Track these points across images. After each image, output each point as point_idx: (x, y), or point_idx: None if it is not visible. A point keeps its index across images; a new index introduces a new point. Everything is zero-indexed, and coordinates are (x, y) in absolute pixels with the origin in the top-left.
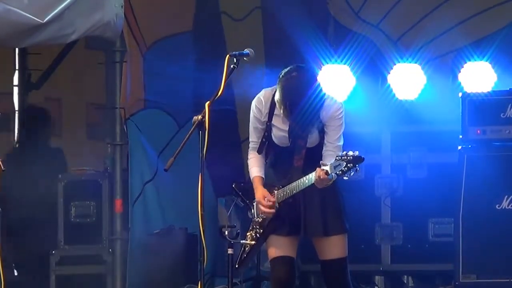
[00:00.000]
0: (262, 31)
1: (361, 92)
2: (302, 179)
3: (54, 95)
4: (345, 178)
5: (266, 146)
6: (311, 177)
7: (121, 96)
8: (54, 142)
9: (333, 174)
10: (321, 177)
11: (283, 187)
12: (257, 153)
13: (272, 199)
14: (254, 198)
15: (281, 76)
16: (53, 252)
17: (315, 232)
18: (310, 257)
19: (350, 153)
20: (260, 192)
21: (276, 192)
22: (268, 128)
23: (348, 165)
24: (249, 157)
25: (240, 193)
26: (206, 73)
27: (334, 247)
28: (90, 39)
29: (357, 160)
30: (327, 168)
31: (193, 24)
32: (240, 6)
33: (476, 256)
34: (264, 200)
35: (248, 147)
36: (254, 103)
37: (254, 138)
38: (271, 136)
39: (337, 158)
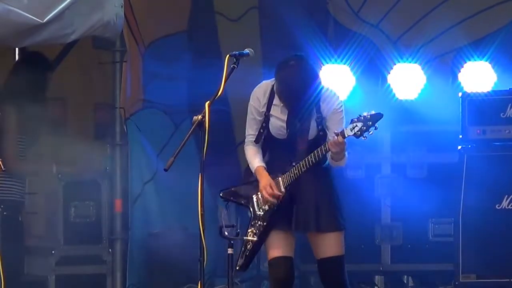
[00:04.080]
0: (259, 31)
1: (361, 92)
2: (308, 158)
3: (57, 94)
4: (363, 138)
5: (263, 140)
6: (318, 152)
7: (121, 96)
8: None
9: (351, 135)
10: (339, 140)
11: (286, 172)
12: (254, 144)
13: (278, 192)
14: (248, 197)
15: (279, 64)
16: (53, 252)
17: (307, 227)
18: (310, 257)
19: (364, 113)
20: (265, 180)
21: (280, 178)
22: (266, 118)
23: (368, 123)
24: (246, 150)
25: (231, 198)
26: (201, 73)
27: (329, 245)
28: (97, 38)
29: (376, 117)
30: (344, 131)
31: (188, 24)
32: (235, 6)
33: (476, 256)
34: (269, 187)
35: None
36: (253, 93)
37: (251, 131)
38: (268, 127)
39: (353, 120)
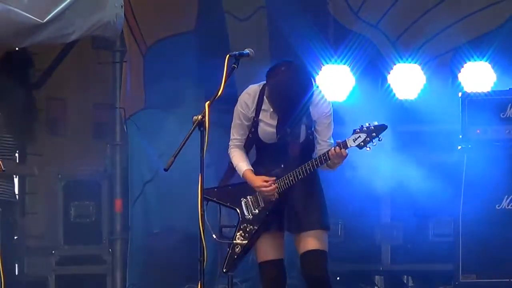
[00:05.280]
0: (268, 31)
1: (361, 92)
2: (305, 165)
3: (57, 94)
4: (367, 149)
5: (249, 142)
6: (317, 161)
7: (121, 96)
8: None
9: (353, 146)
10: (343, 153)
11: (280, 177)
12: (240, 149)
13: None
14: (235, 200)
15: (269, 71)
16: (53, 252)
17: (298, 228)
18: None
19: (367, 124)
20: (257, 179)
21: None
22: (254, 123)
23: (372, 134)
24: (231, 154)
25: (214, 198)
26: (209, 73)
27: (312, 240)
28: (97, 39)
29: (380, 128)
30: (347, 142)
31: (196, 23)
32: (244, 6)
33: (476, 256)
34: (265, 183)
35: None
36: (241, 98)
37: (237, 135)
38: (257, 132)
39: (355, 130)
